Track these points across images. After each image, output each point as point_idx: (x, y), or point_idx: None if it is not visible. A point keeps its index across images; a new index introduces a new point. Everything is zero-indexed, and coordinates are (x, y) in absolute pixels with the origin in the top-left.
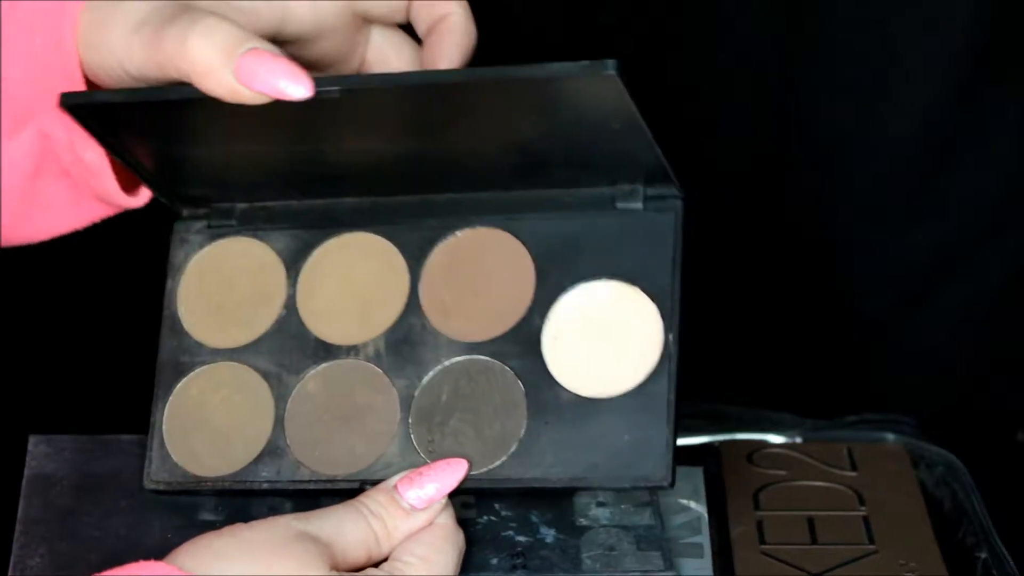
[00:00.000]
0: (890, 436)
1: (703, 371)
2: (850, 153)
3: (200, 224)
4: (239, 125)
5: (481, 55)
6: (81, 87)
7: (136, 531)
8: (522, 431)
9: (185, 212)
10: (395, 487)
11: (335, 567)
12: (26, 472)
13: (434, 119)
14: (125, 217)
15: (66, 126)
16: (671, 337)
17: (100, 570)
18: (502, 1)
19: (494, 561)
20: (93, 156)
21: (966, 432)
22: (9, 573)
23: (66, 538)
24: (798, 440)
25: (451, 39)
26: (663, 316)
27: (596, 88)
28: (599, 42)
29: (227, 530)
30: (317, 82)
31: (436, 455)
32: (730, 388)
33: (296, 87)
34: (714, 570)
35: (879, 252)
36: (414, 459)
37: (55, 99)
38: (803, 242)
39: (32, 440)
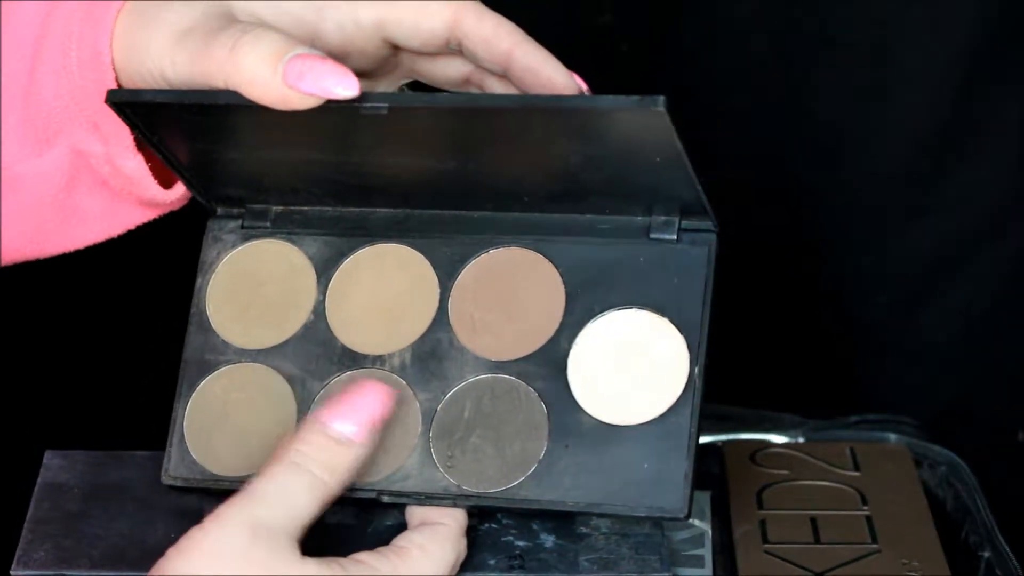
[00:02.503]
0: (892, 436)
1: (705, 371)
2: (850, 153)
3: (234, 223)
4: (281, 131)
5: None
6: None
7: (139, 530)
8: (542, 453)
9: (220, 211)
10: (324, 423)
11: (301, 543)
12: (39, 481)
13: (478, 140)
14: (145, 228)
15: (102, 139)
16: (697, 370)
17: (102, 564)
18: (502, 1)
19: (492, 562)
20: (133, 165)
21: (967, 432)
22: (13, 564)
23: (71, 536)
24: (800, 440)
25: (544, 71)
26: (690, 348)
27: (643, 122)
28: (599, 42)
29: (183, 545)
30: (366, 98)
31: (456, 471)
32: (732, 388)
33: (344, 87)
34: (717, 570)
35: (879, 252)
36: (432, 473)
37: (89, 116)
38: (803, 242)
39: (47, 455)
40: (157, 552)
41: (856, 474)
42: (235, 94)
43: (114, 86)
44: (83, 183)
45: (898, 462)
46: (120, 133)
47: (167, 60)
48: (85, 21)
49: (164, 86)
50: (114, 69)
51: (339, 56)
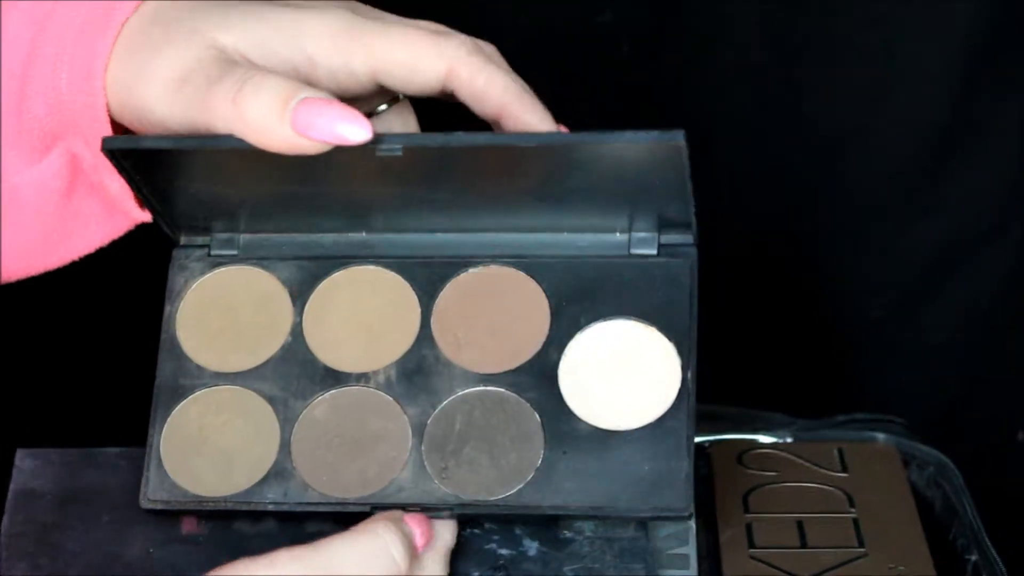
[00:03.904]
0: (880, 436)
1: (701, 370)
2: (850, 153)
3: (200, 252)
4: (261, 164)
5: None
6: (106, 122)
7: (117, 545)
8: (539, 460)
9: (183, 240)
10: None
11: None
12: (12, 487)
13: (481, 173)
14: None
15: (92, 151)
16: (689, 374)
17: None
18: (503, 2)
19: (475, 574)
20: (117, 187)
21: (966, 432)
22: None
23: (47, 553)
24: (788, 440)
25: (531, 121)
26: (680, 354)
27: (658, 154)
28: (599, 42)
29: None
30: (379, 139)
31: (451, 482)
32: (722, 387)
33: (355, 131)
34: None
35: (878, 252)
36: (427, 485)
37: (80, 127)
38: (802, 241)
39: (19, 454)
40: (136, 570)
41: (844, 475)
42: (237, 139)
43: (103, 107)
44: (81, 186)
45: (886, 462)
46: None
47: (165, 109)
48: (77, 44)
49: (161, 131)
50: (105, 95)
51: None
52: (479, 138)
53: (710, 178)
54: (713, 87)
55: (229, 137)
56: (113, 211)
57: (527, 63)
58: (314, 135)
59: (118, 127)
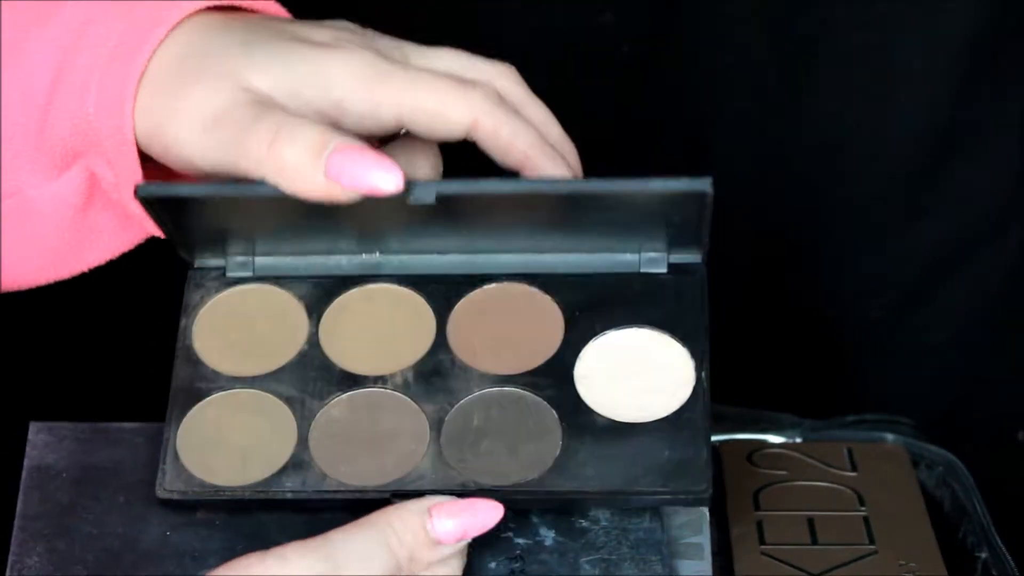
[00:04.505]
0: (890, 436)
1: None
2: (850, 153)
3: (216, 273)
4: (286, 201)
5: (479, 53)
6: (132, 147)
7: (134, 529)
8: (558, 450)
9: (198, 263)
10: (429, 512)
11: None
12: (26, 463)
13: (499, 209)
14: None
15: (114, 172)
16: (703, 374)
17: (97, 569)
18: (504, 2)
19: (492, 565)
20: (136, 207)
21: (966, 432)
22: (7, 571)
23: (63, 536)
24: (798, 440)
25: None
26: (693, 356)
27: (684, 197)
28: (599, 42)
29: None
30: (412, 187)
31: (471, 471)
32: (730, 388)
33: (388, 180)
34: (714, 570)
35: (879, 252)
36: (447, 472)
37: (104, 149)
38: (803, 241)
39: (32, 428)
40: (153, 555)
41: (853, 474)
42: (271, 188)
43: (132, 135)
44: (98, 202)
45: (895, 462)
46: (130, 173)
47: (196, 148)
48: (108, 67)
49: (187, 167)
50: (133, 121)
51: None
52: (510, 185)
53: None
54: (713, 87)
55: (263, 185)
56: (128, 225)
57: (527, 63)
58: (346, 183)
59: (141, 153)
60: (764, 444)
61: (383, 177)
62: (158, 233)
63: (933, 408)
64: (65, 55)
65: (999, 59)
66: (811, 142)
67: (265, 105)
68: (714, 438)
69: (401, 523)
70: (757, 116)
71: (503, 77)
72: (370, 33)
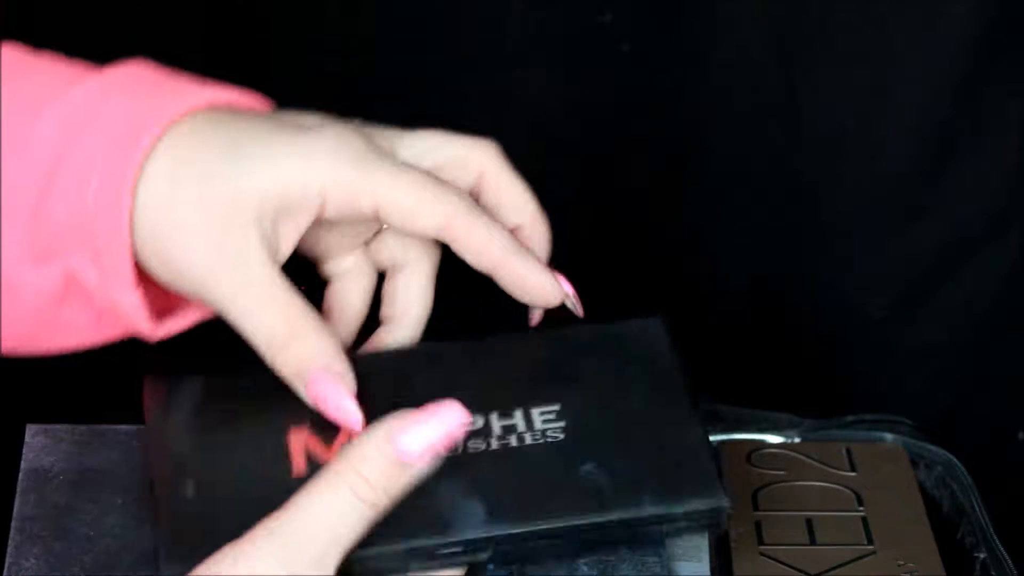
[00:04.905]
0: (888, 436)
1: (701, 371)
2: (850, 153)
3: None
4: None
5: (480, 53)
6: (127, 251)
7: (130, 530)
8: None
9: None
10: (392, 437)
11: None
12: (22, 465)
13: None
14: None
15: (100, 271)
16: None
17: (94, 571)
18: (504, 1)
19: (491, 567)
20: (130, 300)
21: (966, 432)
22: (4, 574)
23: (61, 538)
24: (796, 440)
25: (530, 281)
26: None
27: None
28: (599, 42)
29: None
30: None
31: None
32: (729, 388)
33: (354, 416)
34: (712, 571)
35: (879, 252)
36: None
37: (93, 246)
38: (801, 241)
39: (29, 430)
40: (150, 557)
41: (852, 475)
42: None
43: (127, 235)
44: (74, 302)
45: (894, 462)
46: (119, 267)
47: (207, 283)
48: (109, 158)
49: (180, 292)
50: (131, 218)
51: (332, 225)
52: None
53: (709, 179)
54: (713, 87)
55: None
56: (103, 324)
57: (527, 63)
58: (326, 408)
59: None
60: (763, 444)
61: (350, 413)
62: (150, 333)
63: (933, 408)
64: (71, 130)
65: (999, 59)
66: (811, 142)
67: (273, 257)
68: (713, 438)
69: (367, 464)
70: (757, 116)
71: (485, 155)
72: (356, 122)
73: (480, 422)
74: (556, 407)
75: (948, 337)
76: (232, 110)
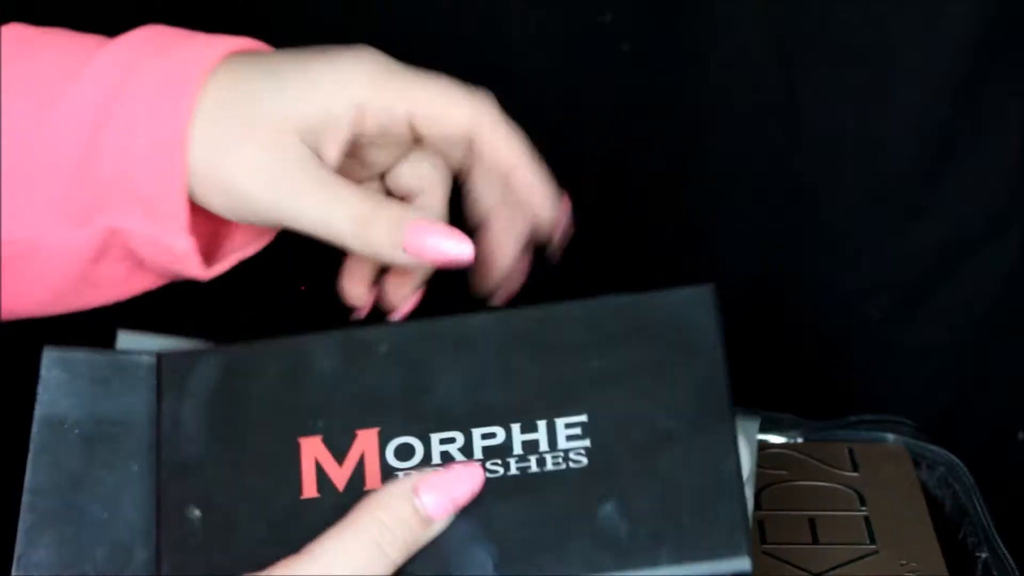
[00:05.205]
0: (891, 436)
1: None
2: (850, 153)
3: None
4: None
5: (480, 53)
6: (183, 196)
7: (146, 516)
8: None
9: None
10: (416, 491)
11: None
12: (37, 411)
13: None
14: None
15: (153, 220)
16: None
17: (105, 567)
18: (505, 1)
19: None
20: (184, 245)
21: (966, 432)
22: (13, 565)
23: (72, 523)
24: (799, 440)
25: (536, 192)
26: None
27: None
28: (599, 42)
29: None
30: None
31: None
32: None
33: (461, 248)
34: None
35: (879, 252)
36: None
37: (143, 197)
38: (801, 241)
39: (46, 357)
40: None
41: (854, 474)
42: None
43: (184, 177)
44: (110, 257)
45: (896, 462)
46: (175, 214)
47: (261, 205)
48: (157, 107)
49: (243, 221)
50: (187, 164)
51: (373, 139)
52: None
53: (709, 179)
54: (713, 87)
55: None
56: (133, 275)
57: (528, 63)
58: (428, 256)
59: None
60: (765, 444)
61: (455, 246)
62: (162, 280)
63: (933, 408)
64: (109, 95)
65: (999, 59)
66: (811, 142)
67: (319, 156)
68: None
69: (389, 515)
70: (757, 116)
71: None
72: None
73: (501, 435)
74: (583, 418)
75: (948, 337)
76: (260, 52)
